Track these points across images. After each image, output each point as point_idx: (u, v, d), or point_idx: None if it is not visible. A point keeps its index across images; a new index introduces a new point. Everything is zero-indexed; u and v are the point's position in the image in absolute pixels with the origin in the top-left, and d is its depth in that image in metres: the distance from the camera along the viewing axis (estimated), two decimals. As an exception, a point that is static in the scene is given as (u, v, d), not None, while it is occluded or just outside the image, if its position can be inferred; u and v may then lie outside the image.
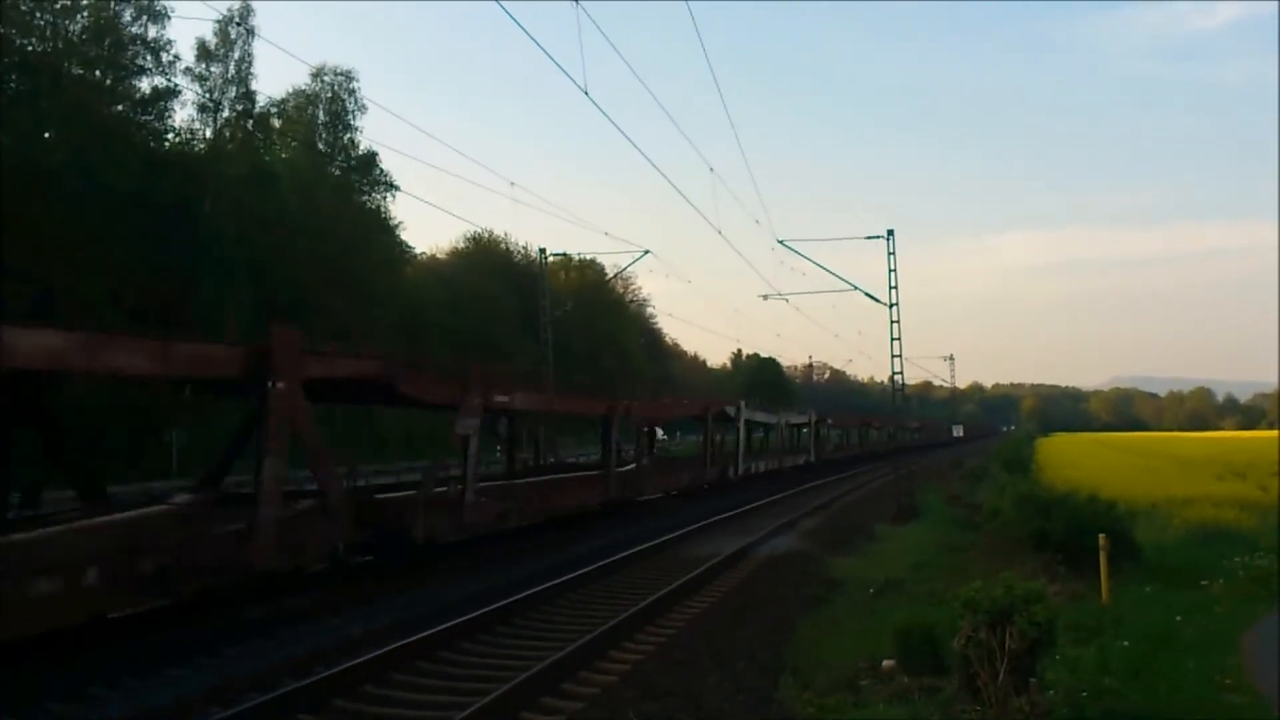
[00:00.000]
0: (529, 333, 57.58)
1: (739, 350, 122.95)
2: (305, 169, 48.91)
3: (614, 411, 22.38)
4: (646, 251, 42.92)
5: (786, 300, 36.59)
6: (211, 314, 35.52)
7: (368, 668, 8.59)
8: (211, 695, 8.07)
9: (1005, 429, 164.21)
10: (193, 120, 44.27)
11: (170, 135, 42.18)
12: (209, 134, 45.04)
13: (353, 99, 51.37)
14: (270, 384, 11.04)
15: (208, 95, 44.07)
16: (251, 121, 46.92)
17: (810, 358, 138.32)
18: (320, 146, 51.04)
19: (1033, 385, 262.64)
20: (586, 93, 16.12)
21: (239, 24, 44.35)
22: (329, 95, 51.08)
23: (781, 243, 28.60)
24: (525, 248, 72.65)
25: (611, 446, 22.36)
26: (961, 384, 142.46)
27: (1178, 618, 10.79)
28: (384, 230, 54.04)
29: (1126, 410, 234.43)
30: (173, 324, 31.35)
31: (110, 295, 31.05)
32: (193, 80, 43.04)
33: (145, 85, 39.88)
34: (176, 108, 41.93)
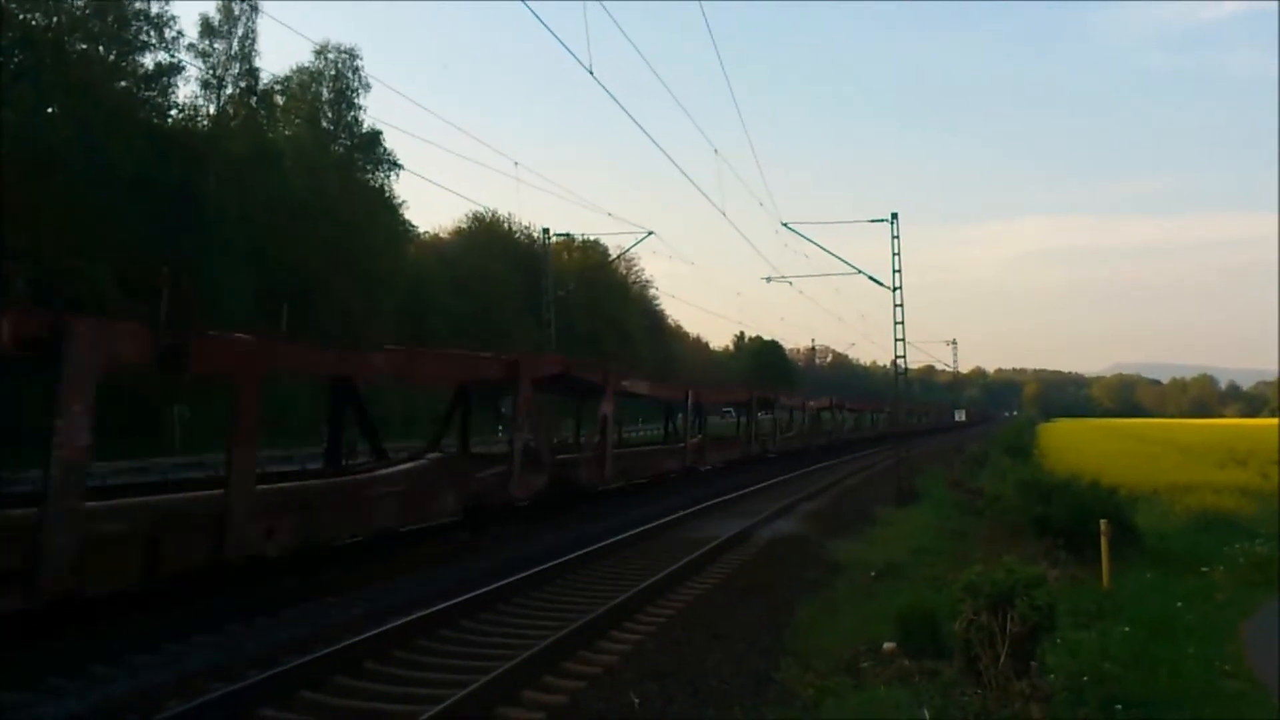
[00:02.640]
0: (531, 313, 57.56)
1: (741, 333, 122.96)
2: (309, 147, 48.75)
3: (687, 395, 27.50)
4: (650, 233, 42.72)
5: (790, 283, 36.46)
6: (215, 294, 35.49)
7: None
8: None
9: (1007, 414, 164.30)
10: (196, 97, 44.18)
11: (173, 112, 42.12)
12: (212, 111, 44.92)
13: (356, 77, 51.22)
14: (519, 384, 16.45)
15: (211, 72, 43.94)
16: (255, 98, 46.72)
17: (813, 341, 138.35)
18: (324, 124, 50.85)
19: (1035, 371, 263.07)
20: (592, 72, 16.02)
21: (242, 0, 44.15)
22: (333, 73, 50.87)
23: (785, 225, 28.47)
24: (528, 228, 72.57)
25: (686, 424, 28.10)
26: (964, 369, 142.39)
27: (1178, 604, 10.82)
28: (387, 209, 53.89)
29: (1129, 397, 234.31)
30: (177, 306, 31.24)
31: (114, 276, 30.96)
32: (196, 56, 42.89)
33: (148, 61, 39.79)
34: (180, 84, 41.86)
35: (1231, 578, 12.41)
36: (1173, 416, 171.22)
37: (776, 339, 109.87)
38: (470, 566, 13.54)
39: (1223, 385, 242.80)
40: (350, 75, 51.01)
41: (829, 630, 10.09)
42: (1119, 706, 6.91)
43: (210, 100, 44.85)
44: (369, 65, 56.77)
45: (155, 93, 40.31)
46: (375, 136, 52.02)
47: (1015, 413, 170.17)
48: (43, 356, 8.09)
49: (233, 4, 43.99)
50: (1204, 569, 12.95)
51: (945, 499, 24.52)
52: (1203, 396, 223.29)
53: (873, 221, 28.03)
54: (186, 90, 43.61)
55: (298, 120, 49.87)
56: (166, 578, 9.47)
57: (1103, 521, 12.15)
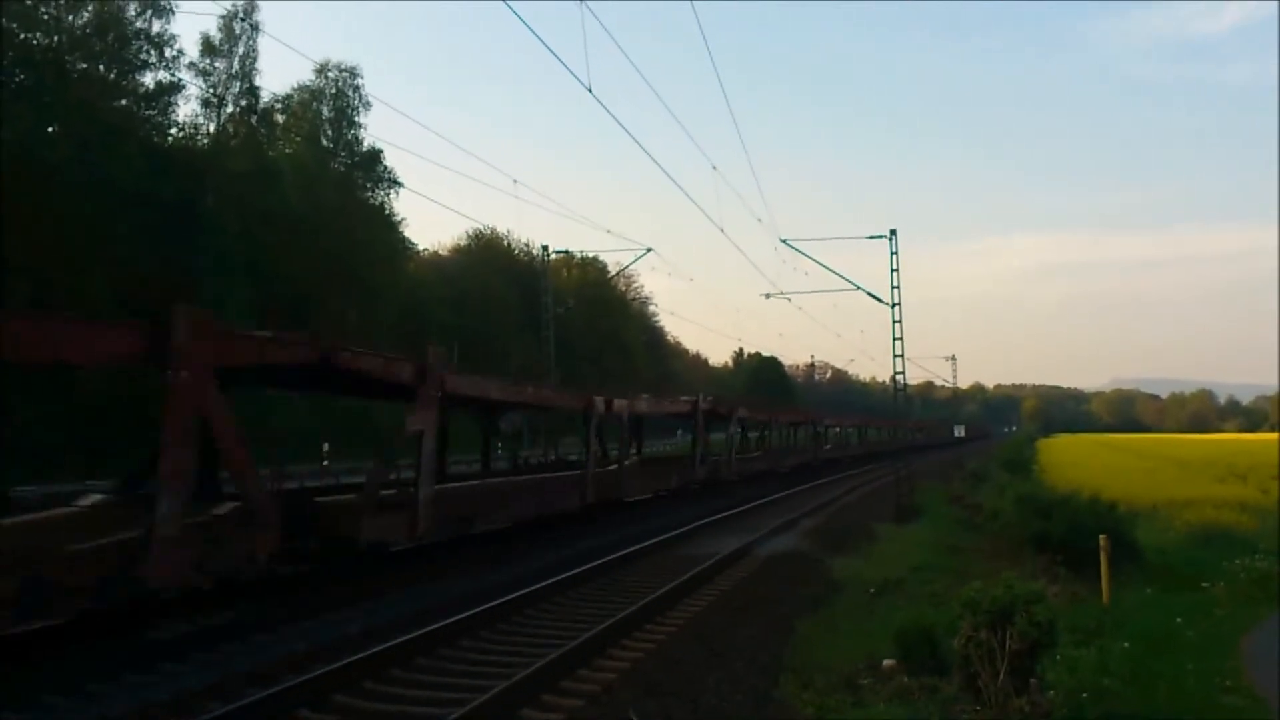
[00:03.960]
0: (531, 330, 57.60)
1: (740, 349, 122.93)
2: (309, 165, 48.80)
3: (696, 409, 27.48)
4: (649, 249, 42.86)
5: (789, 299, 36.42)
6: (213, 308, 35.39)
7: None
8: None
9: (1007, 430, 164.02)
10: (196, 115, 44.23)
11: (174, 130, 42.18)
12: (212, 129, 45.01)
13: (357, 95, 51.24)
14: (594, 412, 19.36)
15: (211, 90, 44.04)
16: (255, 117, 46.81)
17: (812, 357, 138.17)
18: (324, 142, 50.97)
19: (1034, 386, 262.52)
20: (590, 90, 16.10)
21: (243, 19, 44.33)
22: (333, 91, 50.95)
23: (784, 241, 28.56)
24: (527, 245, 72.73)
25: (698, 439, 27.88)
26: (963, 384, 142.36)
27: (1178, 619, 10.80)
28: (387, 227, 53.89)
29: (1128, 412, 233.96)
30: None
31: (112, 291, 30.98)
32: (196, 75, 42.98)
33: (149, 80, 39.87)
34: (180, 103, 41.94)
35: (1231, 593, 12.40)
36: (1172, 432, 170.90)
37: (776, 355, 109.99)
38: (462, 582, 13.54)
39: (1222, 400, 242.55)
40: (350, 93, 51.12)
41: (829, 647, 10.07)
42: (1119, 723, 6.89)
43: (210, 118, 44.98)
44: (369, 83, 56.89)
45: (155, 111, 40.39)
46: (375, 154, 52.06)
47: (1014, 428, 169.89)
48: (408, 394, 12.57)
49: (233, 23, 44.20)
50: (1204, 584, 12.94)
51: (945, 515, 24.50)
52: (1202, 411, 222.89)
53: (871, 238, 28.17)
54: (187, 109, 43.72)
55: (298, 138, 49.98)
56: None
57: (1102, 537, 12.14)
